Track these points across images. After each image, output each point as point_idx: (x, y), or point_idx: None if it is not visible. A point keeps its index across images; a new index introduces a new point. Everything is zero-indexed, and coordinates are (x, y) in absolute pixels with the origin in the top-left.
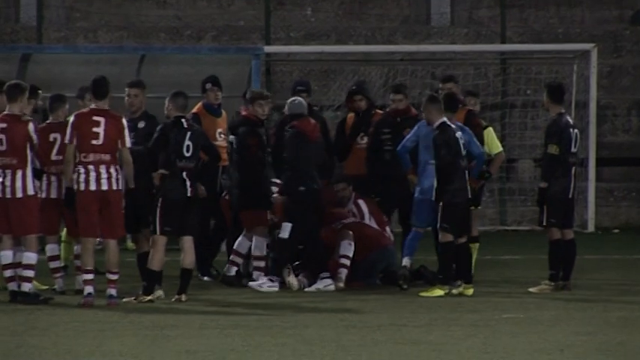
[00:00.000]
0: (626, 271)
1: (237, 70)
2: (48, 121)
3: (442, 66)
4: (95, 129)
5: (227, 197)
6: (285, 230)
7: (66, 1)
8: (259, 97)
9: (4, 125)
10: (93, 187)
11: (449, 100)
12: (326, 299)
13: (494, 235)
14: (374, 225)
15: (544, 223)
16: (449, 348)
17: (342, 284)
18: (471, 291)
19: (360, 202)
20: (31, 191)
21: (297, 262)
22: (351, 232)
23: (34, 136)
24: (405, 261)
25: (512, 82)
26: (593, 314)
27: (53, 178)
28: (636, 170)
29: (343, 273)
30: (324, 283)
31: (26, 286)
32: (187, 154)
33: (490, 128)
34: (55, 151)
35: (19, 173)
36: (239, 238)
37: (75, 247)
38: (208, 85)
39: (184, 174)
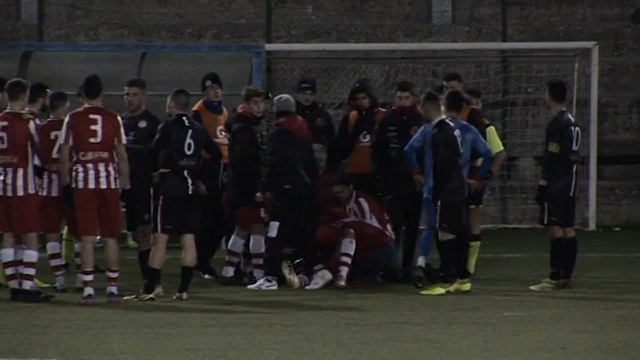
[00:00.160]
0: (627, 269)
1: (238, 68)
2: (49, 119)
3: (443, 64)
4: (93, 127)
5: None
6: (273, 229)
7: None
8: (254, 94)
9: (5, 123)
10: (92, 185)
11: (453, 98)
12: (327, 297)
13: (496, 233)
14: (375, 223)
15: (545, 222)
16: (450, 346)
17: (343, 282)
18: (468, 286)
19: (361, 200)
20: (32, 189)
21: (297, 260)
22: (352, 231)
23: (35, 134)
24: (420, 260)
25: (514, 80)
26: (594, 312)
27: (54, 176)
28: (637, 168)
29: (344, 271)
30: (320, 275)
31: (27, 284)
32: (189, 153)
33: (492, 127)
34: (56, 149)
35: (20, 171)
36: (232, 238)
37: (76, 245)
38: (208, 83)
39: (186, 172)
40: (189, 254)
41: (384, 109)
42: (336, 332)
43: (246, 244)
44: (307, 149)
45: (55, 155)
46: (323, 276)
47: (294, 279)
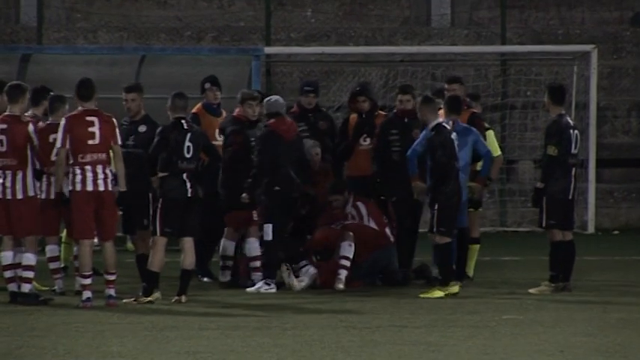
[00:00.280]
0: (626, 273)
1: (238, 71)
2: (48, 122)
3: (442, 67)
4: (91, 129)
5: None
6: (268, 232)
7: (66, 1)
8: (249, 97)
9: (4, 126)
10: (90, 187)
11: (452, 102)
12: (326, 300)
13: (495, 236)
14: (373, 226)
15: (544, 225)
16: (448, 349)
17: (342, 285)
18: (456, 288)
19: (359, 204)
20: (31, 192)
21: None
22: (351, 234)
23: (35, 137)
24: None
25: (513, 84)
26: (593, 315)
27: (53, 179)
28: (636, 171)
29: (343, 274)
30: (305, 271)
31: (26, 287)
32: (188, 155)
33: (491, 131)
34: (55, 151)
35: (20, 174)
36: (222, 242)
37: (75, 248)
38: (207, 85)
39: (185, 175)
40: (188, 257)
41: (384, 112)
42: (335, 335)
43: (237, 246)
44: (296, 150)
45: (53, 158)
46: (307, 272)
47: (294, 282)
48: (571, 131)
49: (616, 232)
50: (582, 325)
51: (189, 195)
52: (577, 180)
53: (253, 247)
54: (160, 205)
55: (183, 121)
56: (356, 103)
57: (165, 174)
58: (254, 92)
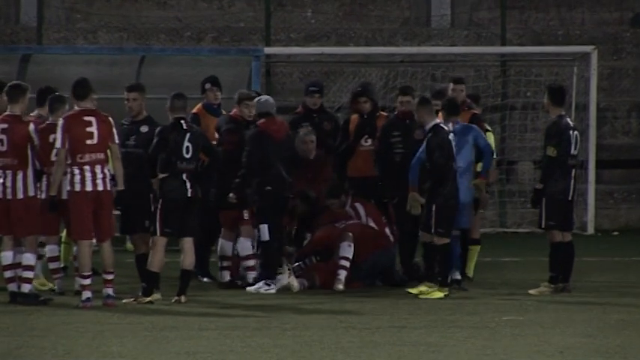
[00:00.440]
0: (626, 274)
1: (238, 71)
2: (48, 122)
3: (442, 68)
4: (89, 129)
5: None
6: (264, 232)
7: (66, 1)
8: (246, 97)
9: (5, 126)
10: (89, 187)
11: (450, 105)
12: (325, 301)
13: (494, 237)
14: (373, 226)
15: (543, 226)
16: (448, 350)
17: (341, 286)
18: (440, 294)
19: (357, 205)
20: (31, 192)
21: (296, 264)
22: (350, 234)
23: (35, 137)
24: (455, 274)
25: (513, 84)
26: (593, 316)
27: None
28: (636, 172)
29: (343, 275)
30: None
31: (26, 287)
32: (187, 156)
33: (490, 133)
34: (55, 151)
35: (20, 174)
36: (219, 242)
37: (74, 248)
38: (207, 85)
39: (184, 175)
40: (187, 257)
41: (385, 113)
42: (335, 336)
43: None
44: (287, 150)
45: (53, 158)
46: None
47: (294, 282)
48: (571, 132)
49: (616, 233)
50: (582, 326)
51: (189, 195)
52: (577, 181)
53: (245, 246)
54: (159, 206)
55: (182, 122)
56: (357, 103)
57: (165, 175)
58: (251, 92)
